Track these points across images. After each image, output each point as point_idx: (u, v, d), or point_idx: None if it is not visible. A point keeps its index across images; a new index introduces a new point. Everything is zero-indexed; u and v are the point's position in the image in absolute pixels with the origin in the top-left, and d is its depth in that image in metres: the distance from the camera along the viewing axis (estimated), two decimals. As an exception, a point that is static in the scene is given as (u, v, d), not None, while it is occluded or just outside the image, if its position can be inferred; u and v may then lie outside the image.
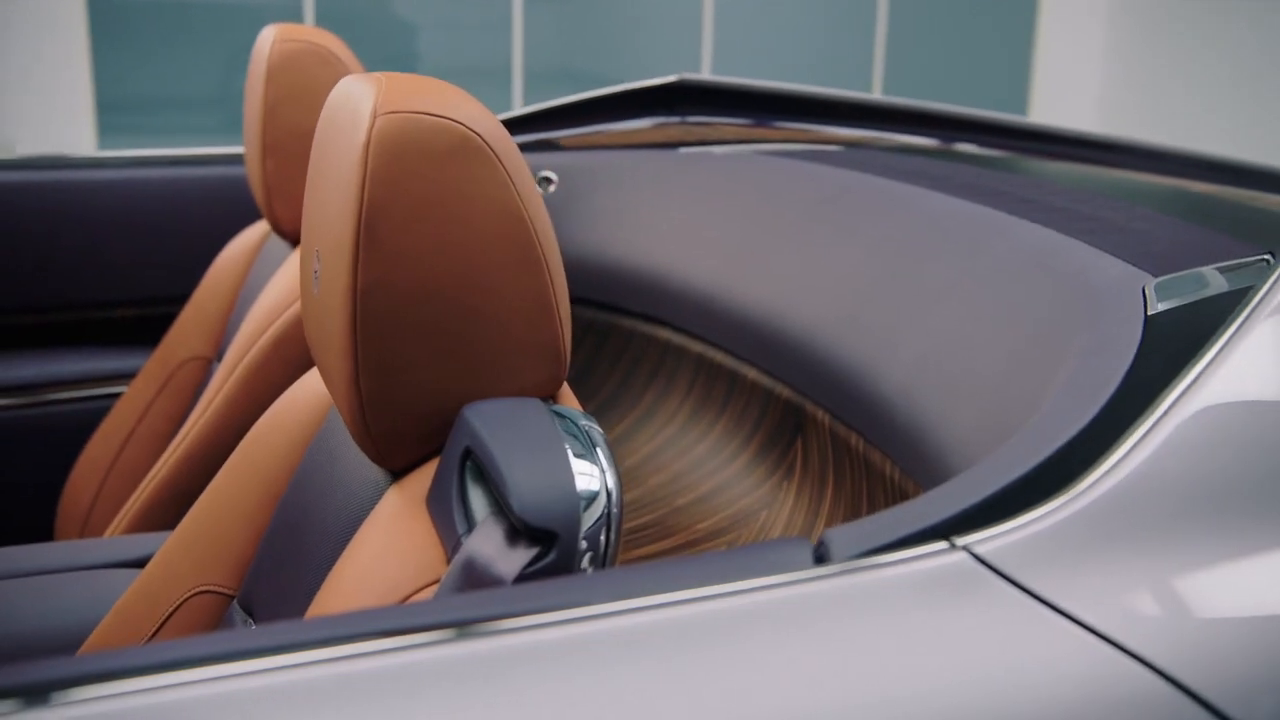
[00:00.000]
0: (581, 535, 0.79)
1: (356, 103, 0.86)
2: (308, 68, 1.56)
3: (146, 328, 2.04)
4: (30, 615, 1.23)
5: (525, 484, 0.77)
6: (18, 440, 1.95)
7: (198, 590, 1.11)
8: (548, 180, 1.96)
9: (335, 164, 0.86)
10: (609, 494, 0.81)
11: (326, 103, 0.93)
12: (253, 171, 1.62)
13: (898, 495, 1.29)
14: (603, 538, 0.80)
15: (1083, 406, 0.80)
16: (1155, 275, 1.12)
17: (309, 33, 1.60)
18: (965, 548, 0.65)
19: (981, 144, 2.08)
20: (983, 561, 0.64)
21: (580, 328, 1.95)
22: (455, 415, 0.86)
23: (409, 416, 0.85)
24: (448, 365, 0.85)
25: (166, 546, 1.16)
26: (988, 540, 0.66)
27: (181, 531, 1.16)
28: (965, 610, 0.62)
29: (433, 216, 0.83)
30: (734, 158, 1.82)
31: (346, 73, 1.56)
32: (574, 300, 1.94)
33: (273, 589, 1.03)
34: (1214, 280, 1.08)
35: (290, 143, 1.55)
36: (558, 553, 0.77)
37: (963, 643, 0.61)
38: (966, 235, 1.33)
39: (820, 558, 0.66)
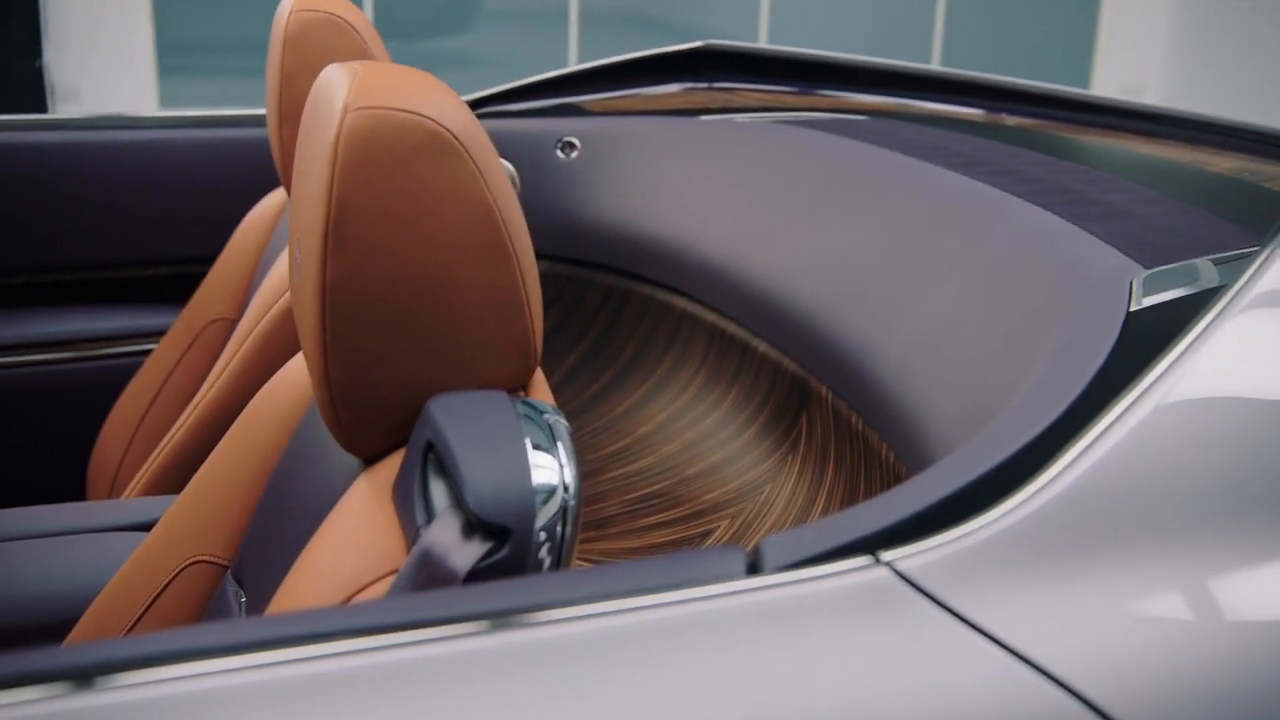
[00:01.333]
0: (540, 528, 0.81)
1: (332, 95, 0.87)
2: (324, 38, 1.57)
3: (178, 286, 2.08)
4: (39, 577, 1.27)
5: (481, 480, 0.79)
6: (52, 395, 2.00)
7: (194, 559, 1.14)
8: (571, 146, 1.97)
9: (312, 156, 0.87)
10: (566, 488, 0.82)
11: (311, 91, 0.95)
12: (272, 139, 1.64)
13: (891, 479, 1.30)
14: (560, 530, 0.82)
15: (1040, 412, 0.80)
16: (1148, 266, 1.11)
17: (327, 2, 1.61)
18: (889, 563, 0.66)
19: (1013, 113, 2.05)
20: (904, 578, 0.65)
21: (600, 293, 1.96)
22: (423, 406, 0.87)
23: (378, 407, 0.87)
24: (416, 358, 0.86)
25: (168, 514, 1.19)
26: (913, 556, 0.66)
27: (183, 500, 1.19)
28: (881, 627, 0.63)
29: (401, 212, 0.84)
30: (753, 127, 1.82)
31: (362, 44, 1.58)
32: (594, 266, 1.95)
33: (260, 562, 1.06)
34: (1205, 273, 1.07)
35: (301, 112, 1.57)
36: (511, 547, 0.79)
37: (875, 661, 0.62)
38: (970, 217, 1.32)
39: (753, 566, 0.67)
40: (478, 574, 0.78)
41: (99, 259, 2.04)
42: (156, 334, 2.05)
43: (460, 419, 0.83)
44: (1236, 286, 0.95)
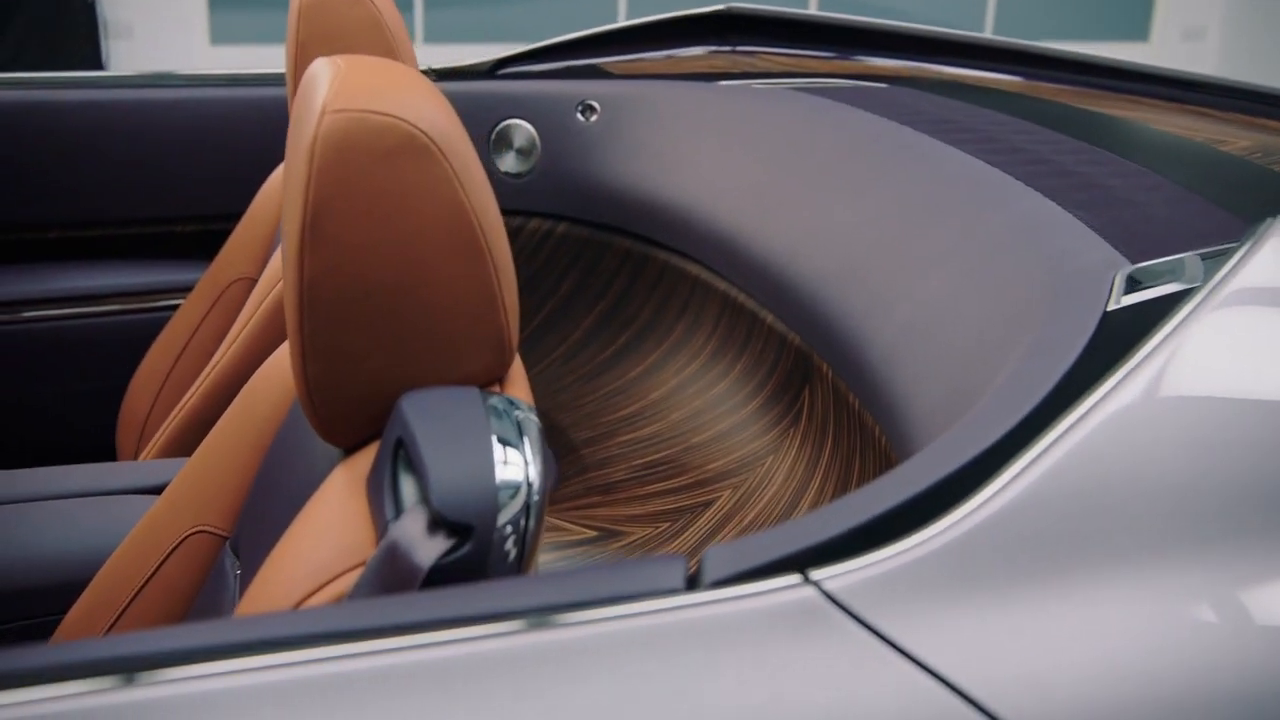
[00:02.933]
0: (506, 523, 0.84)
1: (314, 93, 0.89)
2: (337, 7, 1.58)
3: (206, 242, 2.12)
4: (54, 539, 1.32)
5: (445, 479, 0.81)
6: (83, 348, 2.05)
7: (196, 530, 1.18)
8: (591, 109, 1.98)
9: (295, 153, 0.90)
10: (530, 485, 0.85)
11: (300, 84, 0.97)
12: (290, 106, 1.66)
13: (882, 462, 1.32)
14: (524, 524, 0.84)
15: (992, 425, 0.81)
16: (1135, 260, 1.11)
17: None
18: (817, 583, 0.68)
19: (1041, 79, 2.04)
20: (830, 598, 0.67)
21: (618, 256, 1.97)
22: (398, 400, 0.90)
23: (354, 400, 0.90)
24: (391, 354, 0.89)
25: (174, 483, 1.23)
26: (842, 575, 0.68)
27: (187, 469, 1.23)
28: (804, 648, 0.65)
29: (376, 213, 0.86)
30: (770, 95, 1.82)
31: (376, 14, 1.59)
32: (611, 230, 1.96)
33: (254, 536, 1.09)
34: (1189, 269, 1.07)
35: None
36: (474, 544, 0.81)
37: (794, 682, 0.64)
38: (970, 200, 1.33)
39: (694, 579, 0.70)
40: (440, 569, 0.81)
41: (129, 215, 2.08)
42: (185, 289, 2.09)
43: (429, 417, 0.86)
44: (1206, 289, 0.95)
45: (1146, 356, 0.85)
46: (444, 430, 0.85)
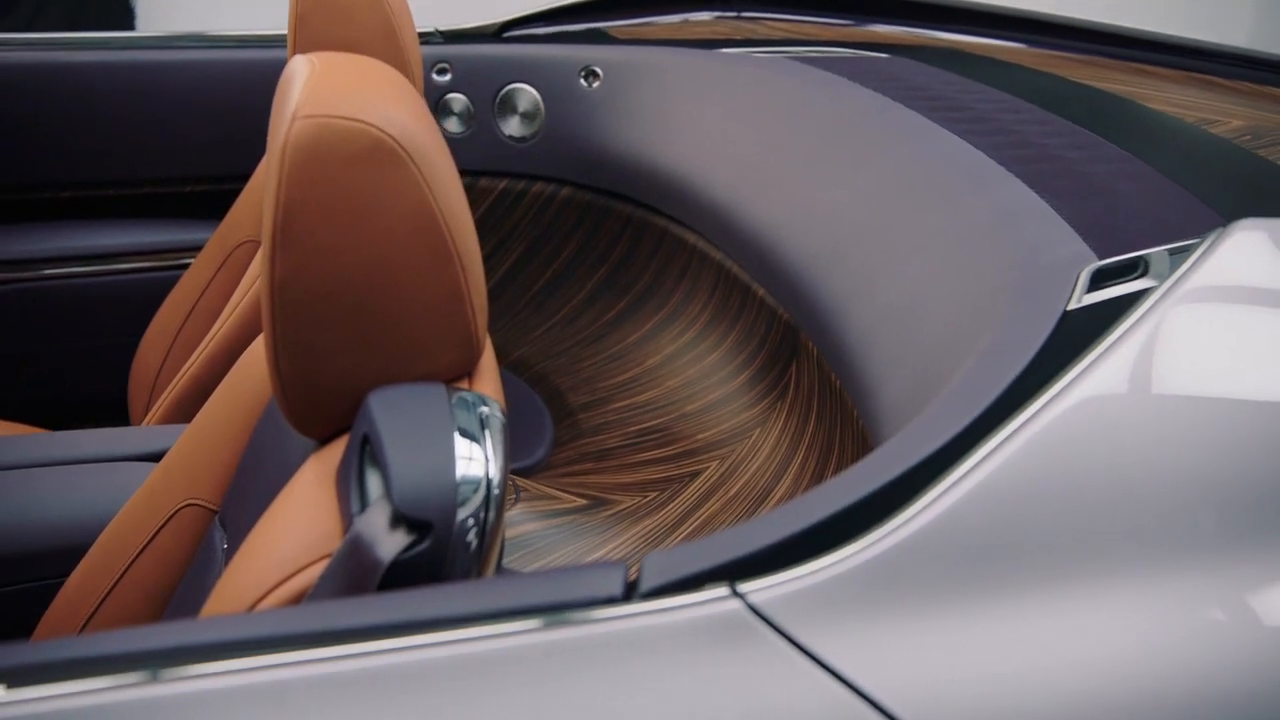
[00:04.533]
0: (467, 517, 0.87)
1: (289, 95, 0.92)
2: None
3: (216, 202, 2.15)
4: (56, 504, 1.37)
5: (406, 477, 0.85)
6: (96, 305, 2.10)
7: (188, 502, 1.23)
8: (594, 75, 1.99)
9: (270, 154, 0.92)
10: (489, 481, 0.88)
11: (280, 82, 0.99)
12: None
13: (860, 442, 1.34)
14: (484, 516, 0.88)
15: (936, 431, 0.84)
16: (1104, 255, 1.12)
17: None
18: (743, 595, 0.71)
19: (1045, 46, 2.03)
20: (755, 611, 0.70)
21: (619, 221, 2.00)
22: (366, 396, 0.93)
23: (324, 394, 0.93)
24: (360, 351, 0.92)
25: (169, 455, 1.27)
26: (769, 589, 0.71)
27: (183, 440, 1.27)
28: (728, 661, 0.68)
29: (344, 216, 0.89)
30: (770, 65, 1.82)
31: None
32: (612, 195, 1.98)
33: (239, 513, 1.14)
34: (1156, 265, 1.09)
35: (319, 51, 1.61)
36: (433, 540, 0.85)
37: (716, 694, 0.67)
38: (952, 186, 1.34)
39: (631, 585, 0.73)
40: (402, 564, 0.85)
41: (141, 175, 2.12)
42: (195, 248, 2.12)
43: (394, 415, 0.89)
44: (1162, 289, 0.97)
45: (1091, 364, 0.87)
46: (408, 428, 0.88)
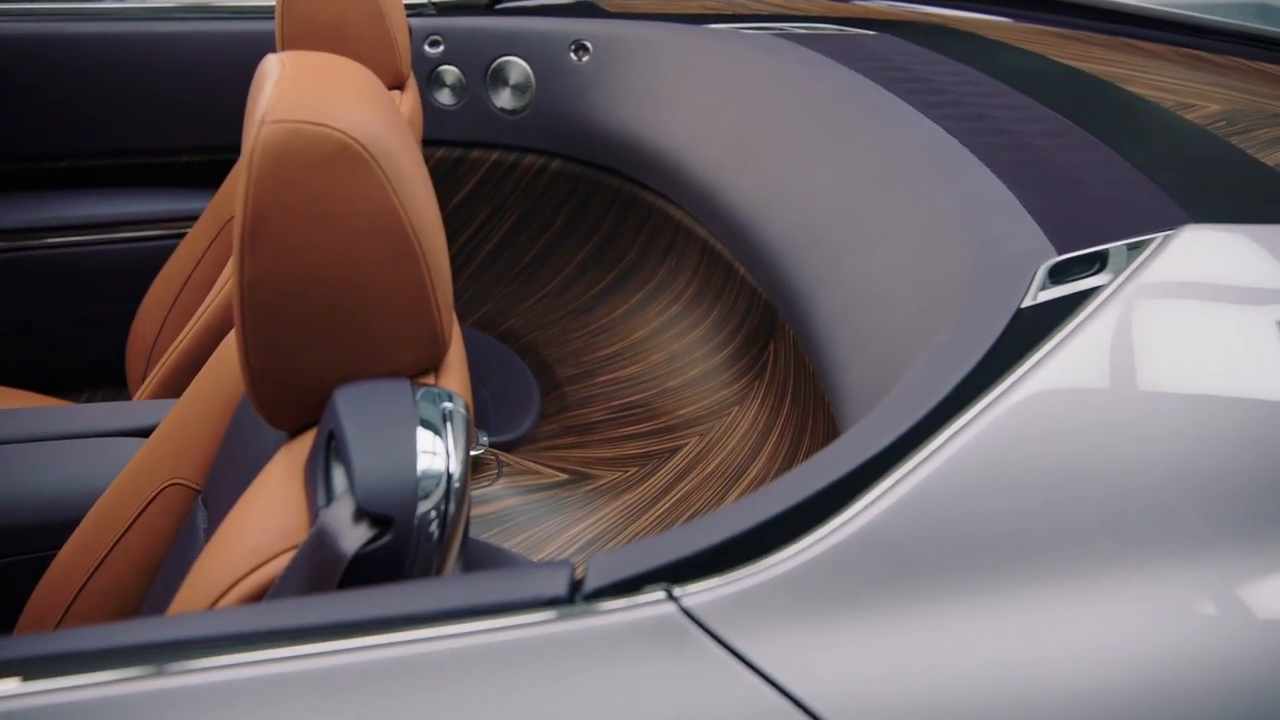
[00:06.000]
0: (429, 510, 0.91)
1: (259, 97, 0.94)
2: None
3: (212, 172, 2.18)
4: (49, 479, 1.41)
5: (368, 473, 0.88)
6: (94, 273, 2.13)
7: (172, 482, 1.26)
8: (583, 49, 2.00)
9: (242, 155, 0.95)
10: (449, 475, 0.91)
11: (254, 80, 1.02)
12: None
13: (830, 428, 1.37)
14: (445, 508, 0.91)
15: (878, 432, 0.86)
16: (1062, 250, 1.14)
17: None
18: (678, 599, 0.74)
19: (1032, 21, 2.04)
20: (689, 614, 0.73)
21: (608, 195, 2.02)
22: (333, 392, 0.97)
23: (293, 389, 0.97)
24: (327, 349, 0.95)
25: (156, 433, 1.31)
26: (704, 592, 0.74)
27: (169, 419, 1.31)
28: (663, 664, 0.72)
29: (310, 218, 0.91)
30: (755, 43, 1.84)
31: None
32: (602, 169, 2.01)
33: (220, 494, 1.17)
34: (1113, 260, 1.11)
35: (306, 33, 1.63)
36: (394, 534, 0.89)
37: (651, 697, 0.71)
38: (923, 173, 1.36)
39: (576, 585, 0.76)
40: (365, 556, 0.88)
41: (139, 145, 2.14)
42: (192, 218, 2.16)
43: (358, 412, 0.93)
44: (1110, 288, 1.00)
45: (1036, 364, 0.90)
46: (371, 425, 0.92)
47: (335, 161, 0.91)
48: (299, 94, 0.93)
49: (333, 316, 0.94)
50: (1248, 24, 2.04)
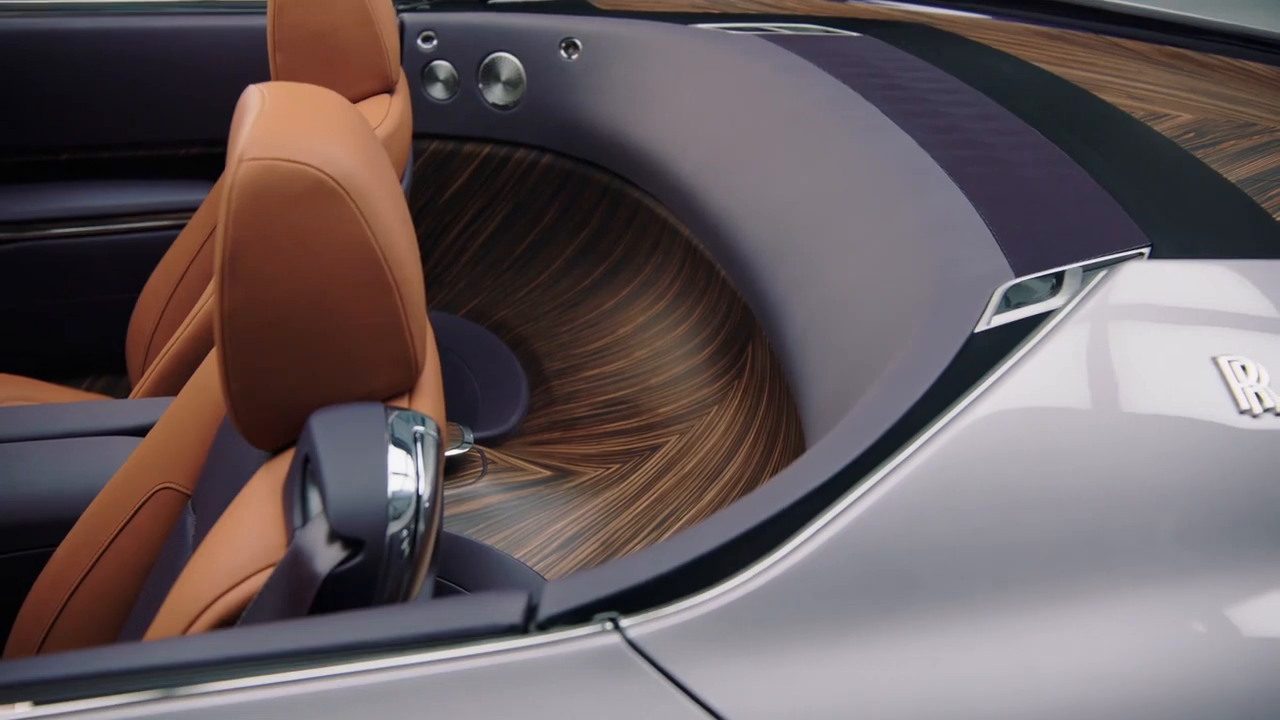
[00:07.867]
0: (401, 529, 0.95)
1: (239, 129, 0.98)
2: None
3: (210, 165, 2.22)
4: (45, 478, 1.46)
5: (341, 497, 0.93)
6: (94, 264, 2.18)
7: (163, 486, 1.31)
8: (574, 47, 2.04)
9: (223, 184, 0.99)
10: (419, 496, 0.96)
11: (236, 107, 1.05)
12: (270, 61, 1.74)
13: (800, 436, 1.41)
14: (416, 527, 0.96)
15: (828, 460, 0.91)
16: (1020, 272, 1.18)
17: None
18: (623, 630, 0.78)
19: (1017, 19, 2.06)
20: (634, 645, 0.78)
21: (597, 191, 2.06)
22: (309, 417, 1.01)
23: (271, 412, 1.01)
24: (303, 374, 0.99)
25: (148, 437, 1.36)
26: (650, 622, 0.78)
27: (161, 423, 1.36)
28: (606, 693, 0.76)
29: (287, 251, 0.96)
30: (741, 44, 1.87)
31: None
32: (591, 165, 2.04)
33: (208, 501, 1.22)
34: (1068, 284, 1.15)
35: (297, 40, 1.67)
36: (366, 555, 0.93)
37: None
38: (894, 188, 1.39)
39: (531, 610, 0.81)
40: (338, 575, 0.93)
41: (137, 138, 2.18)
42: (191, 209, 2.20)
43: (332, 438, 0.97)
44: (1063, 313, 1.04)
45: (985, 391, 0.94)
46: (344, 450, 0.96)
47: (310, 197, 0.95)
48: (276, 130, 0.97)
49: (309, 344, 0.98)
50: (1235, 23, 2.06)
